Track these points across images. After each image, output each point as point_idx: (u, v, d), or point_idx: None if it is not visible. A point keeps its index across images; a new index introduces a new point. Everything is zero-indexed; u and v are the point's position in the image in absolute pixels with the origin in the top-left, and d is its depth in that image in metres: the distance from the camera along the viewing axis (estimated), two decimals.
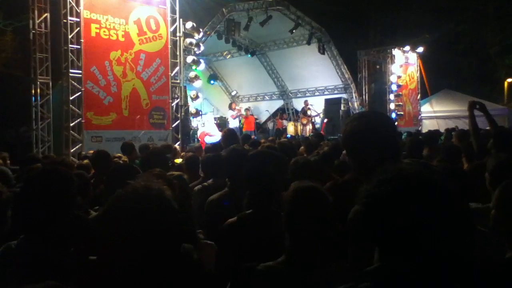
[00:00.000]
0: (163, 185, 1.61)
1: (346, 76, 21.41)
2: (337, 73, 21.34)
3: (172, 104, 13.15)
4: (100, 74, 11.38)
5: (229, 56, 22.23)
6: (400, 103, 22.46)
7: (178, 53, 13.29)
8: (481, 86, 30.10)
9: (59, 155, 10.05)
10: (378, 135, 2.05)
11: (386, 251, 1.30)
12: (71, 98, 10.84)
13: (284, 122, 21.53)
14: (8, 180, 3.93)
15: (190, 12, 14.14)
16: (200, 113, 16.77)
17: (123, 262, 1.44)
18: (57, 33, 10.93)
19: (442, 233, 1.21)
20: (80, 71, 10.97)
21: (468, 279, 1.37)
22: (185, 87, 14.33)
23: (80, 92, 10.99)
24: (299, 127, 19.78)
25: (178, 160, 7.06)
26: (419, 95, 24.74)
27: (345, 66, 21.14)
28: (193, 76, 14.24)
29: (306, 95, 23.28)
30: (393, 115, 21.10)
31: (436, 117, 23.15)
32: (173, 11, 12.99)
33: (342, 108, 20.16)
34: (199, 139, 15.39)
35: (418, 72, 24.65)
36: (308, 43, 19.25)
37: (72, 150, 10.78)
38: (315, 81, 22.74)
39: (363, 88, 22.07)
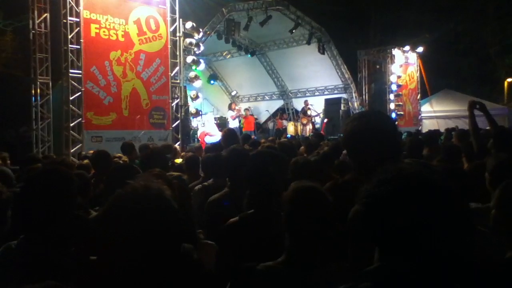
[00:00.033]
0: (163, 185, 1.61)
1: (346, 76, 21.41)
2: (337, 73, 21.35)
3: (172, 104, 13.16)
4: (100, 74, 11.38)
5: (229, 56, 22.24)
6: (400, 103, 22.46)
7: (178, 53, 13.29)
8: (481, 86, 30.11)
9: (59, 155, 10.05)
10: (378, 135, 2.05)
11: (386, 251, 1.30)
12: (71, 98, 10.84)
13: (284, 122, 21.53)
14: (9, 180, 3.92)
15: (190, 12, 14.15)
16: (200, 113, 16.78)
17: (123, 262, 1.44)
18: (57, 33, 10.94)
19: (442, 233, 1.21)
20: (80, 71, 10.98)
21: (468, 279, 1.37)
22: (185, 87, 14.34)
23: (80, 92, 10.99)
24: (299, 127, 19.78)
25: (178, 160, 7.06)
26: (419, 95, 24.75)
27: (345, 66, 21.15)
28: (193, 76, 14.24)
29: (306, 95, 23.28)
30: (393, 115, 21.10)
31: (436, 117, 23.16)
32: (173, 11, 12.99)
33: (342, 108, 20.17)
34: (199, 139, 15.39)
35: (418, 72, 24.66)
36: (308, 43, 19.25)
37: (72, 150, 10.79)
38: (315, 81, 22.75)
39: (363, 88, 22.07)
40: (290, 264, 2.07)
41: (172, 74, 13.06)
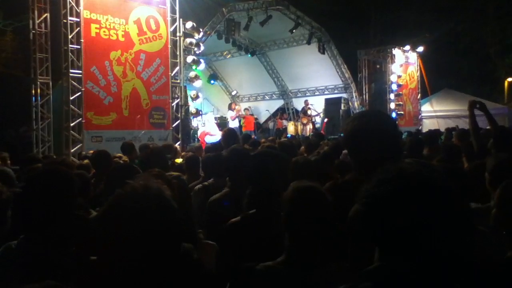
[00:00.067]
0: (162, 185, 1.61)
1: (346, 75, 21.41)
2: (337, 72, 21.35)
3: (172, 104, 13.17)
4: (100, 74, 11.39)
5: (229, 56, 22.24)
6: (400, 102, 22.46)
7: (178, 53, 13.30)
8: (481, 85, 30.08)
9: (59, 155, 10.06)
10: (378, 134, 2.05)
11: (386, 251, 1.30)
12: (71, 98, 10.85)
13: (284, 122, 21.52)
14: (10, 180, 3.92)
15: (190, 12, 14.15)
16: (200, 112, 16.78)
17: (123, 262, 1.44)
18: (57, 33, 10.94)
19: (442, 233, 1.21)
20: (80, 71, 10.98)
21: (468, 279, 1.37)
22: (185, 87, 14.34)
23: (80, 92, 11.00)
24: (299, 127, 19.78)
25: (179, 160, 7.06)
26: (419, 95, 24.75)
27: (345, 66, 21.15)
28: (193, 76, 14.24)
29: (306, 94, 23.28)
30: (393, 115, 21.09)
31: (436, 117, 23.15)
32: (173, 11, 13.00)
33: (342, 107, 20.17)
34: (199, 139, 15.40)
35: (418, 72, 24.65)
36: (308, 42, 19.25)
37: (72, 150, 10.80)
38: (315, 81, 22.74)
39: (363, 88, 22.06)
40: (290, 264, 2.07)
41: (172, 74, 13.07)
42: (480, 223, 2.32)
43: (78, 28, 10.95)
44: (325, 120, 20.15)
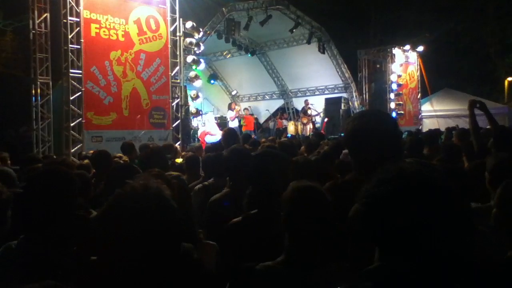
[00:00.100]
0: (162, 185, 1.61)
1: (346, 75, 21.40)
2: (337, 72, 21.34)
3: (172, 104, 13.16)
4: (100, 74, 11.39)
5: (229, 55, 22.24)
6: (400, 102, 22.45)
7: (178, 53, 13.30)
8: (481, 85, 30.09)
9: (60, 155, 10.06)
10: (378, 134, 2.05)
11: (386, 251, 1.30)
12: (71, 98, 10.85)
13: (284, 122, 21.52)
14: (11, 180, 3.92)
15: (190, 12, 14.14)
16: (201, 112, 16.78)
17: (123, 262, 1.44)
18: (57, 33, 10.94)
19: (442, 233, 1.21)
20: (80, 71, 10.98)
21: (468, 279, 1.37)
22: (185, 86, 14.33)
23: (80, 92, 11.00)
24: (300, 127, 19.79)
25: (179, 160, 7.06)
26: (419, 94, 24.74)
27: (345, 65, 21.14)
28: (193, 76, 14.24)
29: (307, 94, 23.28)
30: (394, 114, 21.08)
31: (437, 116, 23.14)
32: (173, 10, 13.00)
33: (342, 107, 20.16)
34: (200, 139, 15.40)
35: (418, 71, 24.64)
36: (308, 42, 19.24)
37: (72, 150, 10.80)
38: (315, 81, 22.74)
39: (363, 87, 22.04)
40: (290, 264, 2.07)
41: (172, 74, 13.07)
42: (480, 223, 2.32)
43: (78, 28, 10.95)
44: (325, 119, 20.14)
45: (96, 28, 11.28)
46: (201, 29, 14.23)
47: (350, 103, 21.26)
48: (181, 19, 13.22)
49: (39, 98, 11.06)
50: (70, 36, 10.81)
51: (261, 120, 23.62)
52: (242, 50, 20.65)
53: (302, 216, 2.07)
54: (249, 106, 21.31)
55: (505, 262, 2.01)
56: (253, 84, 24.13)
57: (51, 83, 11.28)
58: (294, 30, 18.48)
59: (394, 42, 22.95)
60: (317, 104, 20.82)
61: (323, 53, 19.72)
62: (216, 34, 17.27)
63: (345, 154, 5.69)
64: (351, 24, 27.49)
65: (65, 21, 10.77)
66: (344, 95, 21.41)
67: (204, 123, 17.03)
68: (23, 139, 12.73)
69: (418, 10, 29.76)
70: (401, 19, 29.34)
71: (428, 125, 22.45)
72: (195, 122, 16.85)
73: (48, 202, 2.27)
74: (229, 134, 6.25)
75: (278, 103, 24.65)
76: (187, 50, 13.73)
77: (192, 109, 15.43)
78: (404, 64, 23.24)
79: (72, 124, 10.87)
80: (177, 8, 13.03)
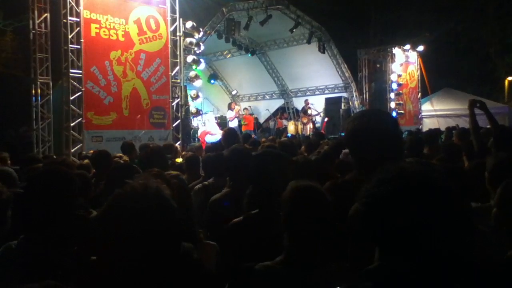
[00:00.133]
0: (162, 184, 1.61)
1: (347, 75, 21.40)
2: (338, 72, 21.33)
3: (173, 104, 13.16)
4: (100, 74, 11.38)
5: (229, 55, 22.24)
6: (400, 101, 22.44)
7: (178, 53, 13.29)
8: (481, 84, 30.09)
9: (60, 155, 10.06)
10: (379, 133, 2.05)
11: (386, 251, 1.30)
12: (71, 98, 10.85)
13: (284, 121, 21.51)
14: (12, 180, 3.93)
15: (190, 12, 14.14)
16: (201, 112, 16.78)
17: (122, 262, 1.44)
18: (57, 33, 10.93)
19: (442, 233, 1.21)
20: (80, 71, 10.98)
21: (468, 279, 1.37)
22: (185, 86, 14.33)
23: (80, 92, 10.99)
24: (300, 126, 19.78)
25: (179, 160, 7.07)
26: (419, 94, 24.73)
27: (345, 65, 21.13)
28: (193, 76, 14.23)
29: (307, 94, 23.26)
30: (394, 114, 21.06)
31: (437, 116, 23.12)
32: (173, 10, 12.99)
33: (342, 107, 20.17)
34: (200, 139, 15.40)
35: (419, 71, 24.63)
36: (308, 42, 19.24)
37: (72, 150, 10.79)
38: (316, 80, 22.73)
39: (364, 87, 22.03)
40: (290, 264, 2.07)
41: (172, 74, 13.06)
42: (480, 222, 2.32)
43: (78, 28, 10.94)
44: (325, 119, 20.15)
45: (96, 28, 11.28)
46: (201, 29, 14.22)
47: (350, 102, 21.25)
48: (181, 19, 13.21)
49: (39, 98, 11.06)
50: (70, 36, 10.80)
51: (261, 120, 23.61)
52: (242, 50, 20.65)
53: (302, 216, 2.07)
54: (249, 106, 21.30)
55: (505, 262, 2.01)
56: (253, 84, 24.13)
57: (51, 83, 11.28)
58: (294, 30, 18.47)
59: (394, 42, 22.94)
60: (317, 104, 20.82)
61: (323, 52, 19.71)
62: (216, 34, 17.26)
63: (345, 154, 5.70)
64: (351, 24, 27.47)
65: (65, 21, 10.76)
66: (344, 94, 21.41)
67: (204, 123, 17.03)
68: (23, 139, 12.73)
69: (418, 10, 29.76)
70: (401, 19, 29.33)
71: (428, 124, 22.43)
72: (195, 122, 16.84)
73: (48, 202, 2.27)
74: (229, 134, 6.26)
75: (278, 102, 24.64)
76: (187, 50, 13.72)
77: (192, 109, 15.42)
78: (404, 63, 23.22)
79: (72, 124, 10.86)
80: (177, 8, 13.03)
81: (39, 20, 10.97)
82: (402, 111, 22.41)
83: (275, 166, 2.80)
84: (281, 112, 23.13)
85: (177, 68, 13.29)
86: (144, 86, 12.33)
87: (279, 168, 2.80)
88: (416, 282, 1.21)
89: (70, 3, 10.73)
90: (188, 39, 13.59)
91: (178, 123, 13.39)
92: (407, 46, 22.84)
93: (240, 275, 2.19)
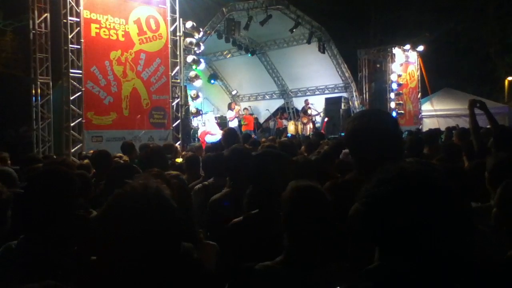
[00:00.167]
0: (162, 184, 1.61)
1: (347, 75, 21.39)
2: (338, 72, 21.33)
3: (173, 104, 13.16)
4: (100, 74, 11.38)
5: (229, 55, 22.23)
6: (400, 101, 22.43)
7: (178, 53, 13.29)
8: (481, 84, 30.09)
9: (60, 155, 10.06)
10: (379, 133, 2.05)
11: (386, 251, 1.30)
12: (71, 98, 10.84)
13: (284, 121, 21.50)
14: (12, 180, 3.93)
15: (190, 12, 14.14)
16: (201, 112, 16.78)
17: (122, 262, 1.44)
18: (57, 33, 10.93)
19: (442, 233, 1.21)
20: (80, 71, 10.98)
21: (468, 279, 1.37)
22: (185, 86, 14.33)
23: (80, 92, 10.99)
24: (300, 126, 19.78)
25: (179, 160, 7.07)
26: (419, 94, 24.72)
27: (345, 65, 21.13)
28: (193, 76, 14.23)
29: (307, 94, 23.26)
30: (394, 114, 21.05)
31: (437, 116, 23.11)
32: (173, 10, 12.99)
33: (342, 107, 20.17)
34: (200, 139, 15.40)
35: (419, 71, 24.62)
36: (308, 42, 19.23)
37: (72, 150, 10.79)
38: (316, 80, 22.73)
39: (364, 87, 22.02)
40: (290, 264, 2.07)
41: (172, 74, 13.06)
42: (480, 222, 2.32)
43: (78, 28, 10.94)
44: (325, 119, 20.14)
45: (96, 28, 11.28)
46: (201, 29, 14.22)
47: (350, 102, 21.25)
48: (181, 19, 13.21)
49: (39, 98, 11.06)
50: (70, 36, 10.80)
51: (261, 120, 23.60)
52: (242, 50, 20.65)
53: (302, 216, 2.07)
54: (249, 106, 21.29)
55: (505, 262, 2.01)
56: (253, 84, 24.13)
57: (51, 83, 11.28)
58: (294, 30, 18.47)
59: (394, 42, 22.94)
60: (317, 104, 20.82)
61: (323, 52, 19.71)
62: (216, 34, 17.26)
63: (345, 154, 5.70)
64: (351, 24, 27.47)
65: (65, 21, 10.76)
66: (344, 94, 21.41)
67: (204, 123, 17.03)
68: (23, 139, 12.73)
69: (418, 10, 29.75)
70: (401, 19, 29.32)
71: (428, 124, 22.43)
72: (195, 122, 16.84)
73: (48, 202, 2.27)
74: (229, 134, 6.25)
75: (278, 102, 24.64)
76: (187, 50, 13.72)
77: (192, 109, 15.42)
78: (404, 63, 23.22)
79: (72, 124, 10.86)
80: (177, 8, 13.03)
81: (39, 20, 10.97)
82: (402, 111, 22.40)
83: (275, 166, 2.80)
84: (281, 112, 23.13)
85: (177, 68, 13.29)
86: (144, 86, 12.33)
87: (279, 168, 2.80)
88: (416, 282, 1.21)
89: (70, 3, 10.73)
90: (188, 39, 13.59)
91: (178, 123, 13.39)
92: (407, 46, 22.83)
93: (240, 275, 2.18)
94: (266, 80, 23.73)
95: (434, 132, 8.70)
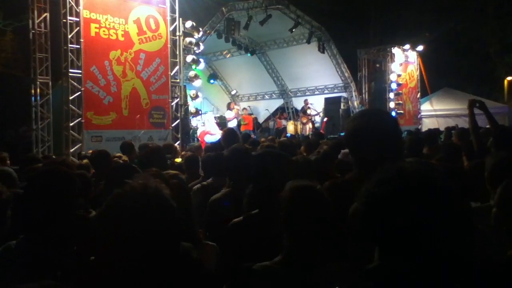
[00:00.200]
0: (161, 184, 1.61)
1: (346, 75, 21.38)
2: (337, 72, 21.31)
3: (172, 104, 13.17)
4: (100, 73, 11.38)
5: (229, 55, 22.21)
6: (400, 101, 22.43)
7: (177, 53, 13.29)
8: (481, 84, 30.08)
9: (59, 155, 10.05)
10: (378, 133, 2.05)
11: (386, 251, 1.30)
12: (71, 98, 10.85)
13: (283, 121, 21.48)
14: (12, 180, 3.93)
15: (189, 11, 14.14)
16: (200, 112, 16.76)
17: (122, 262, 1.43)
18: (57, 33, 10.94)
19: (442, 233, 1.21)
20: (80, 71, 10.98)
21: (468, 279, 1.37)
22: (185, 86, 14.32)
23: (80, 92, 10.99)
24: (299, 126, 19.76)
25: (179, 160, 7.06)
26: (419, 94, 24.72)
27: (345, 65, 21.11)
28: (193, 76, 14.23)
29: (306, 94, 23.23)
30: (393, 114, 21.05)
31: (436, 116, 23.10)
32: (172, 10, 12.99)
33: (342, 107, 20.16)
34: (199, 138, 15.39)
35: (418, 71, 24.62)
36: (308, 42, 19.22)
37: (72, 150, 10.79)
38: (315, 80, 22.71)
39: (363, 87, 22.01)
40: (290, 264, 2.06)
41: (172, 74, 13.07)
42: (480, 222, 2.32)
43: (78, 27, 10.94)
44: (325, 119, 20.13)
45: (95, 27, 11.28)
46: (200, 29, 14.22)
47: (349, 102, 21.24)
48: (180, 19, 13.21)
49: (38, 98, 11.07)
50: (69, 36, 10.80)
51: (261, 120, 23.58)
52: (241, 49, 20.62)
53: (300, 216, 2.07)
54: (249, 106, 21.27)
55: (505, 262, 2.01)
56: (253, 83, 24.11)
57: (50, 83, 11.29)
58: (294, 29, 18.45)
59: (393, 42, 22.93)
60: (317, 104, 20.80)
61: (323, 52, 19.70)
62: (216, 33, 17.24)
63: (344, 154, 5.69)
64: (351, 24, 27.47)
65: (64, 21, 10.77)
66: (344, 94, 21.40)
67: (203, 123, 17.01)
68: (23, 139, 12.73)
69: (418, 9, 29.73)
70: (401, 18, 29.31)
71: (427, 124, 22.43)
72: (194, 121, 16.82)
73: (49, 202, 2.27)
74: (229, 134, 6.25)
75: (278, 102, 24.62)
76: (187, 50, 13.72)
77: (192, 108, 15.41)
78: (404, 63, 23.21)
79: (71, 124, 10.87)
80: (176, 7, 13.03)
81: (39, 20, 10.97)
82: (402, 111, 22.40)
83: (276, 165, 2.80)
84: (280, 112, 23.11)
85: (177, 68, 13.30)
86: (144, 86, 12.34)
87: (280, 168, 2.80)
88: (416, 282, 1.21)
89: (69, 3, 10.73)
90: (188, 39, 13.58)
91: (178, 123, 13.40)
92: (407, 46, 22.83)
93: (240, 275, 2.18)
94: (265, 80, 23.71)
95: (434, 132, 8.70)
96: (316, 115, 20.49)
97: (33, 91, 11.00)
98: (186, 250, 1.85)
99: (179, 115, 13.48)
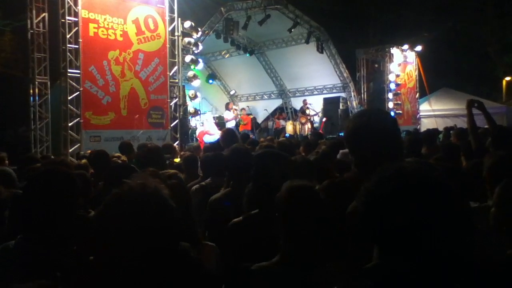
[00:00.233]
0: (160, 184, 1.61)
1: (345, 75, 21.38)
2: (336, 72, 21.31)
3: (171, 104, 13.16)
4: (98, 73, 11.38)
5: (227, 55, 22.21)
6: (398, 101, 22.44)
7: (176, 53, 13.29)
8: (480, 84, 30.13)
9: (58, 155, 10.04)
10: (378, 132, 2.05)
11: (385, 250, 1.30)
12: (69, 98, 10.84)
13: (282, 121, 21.48)
14: (11, 180, 3.93)
15: (188, 11, 14.14)
16: (199, 112, 16.76)
17: (121, 262, 1.43)
18: (55, 32, 10.92)
19: (442, 232, 1.21)
20: (78, 71, 10.97)
21: (468, 279, 1.37)
22: (183, 86, 14.31)
23: (78, 92, 10.98)
24: (298, 126, 19.76)
25: (177, 160, 7.06)
26: (417, 94, 24.74)
27: (343, 65, 21.11)
28: (192, 76, 14.22)
29: (305, 94, 23.23)
30: (392, 114, 21.06)
31: (435, 116, 23.12)
32: (171, 10, 12.99)
33: (340, 107, 20.19)
34: (198, 138, 15.38)
35: (417, 71, 24.63)
36: (307, 42, 19.23)
37: (70, 150, 10.77)
38: (314, 80, 22.71)
39: (362, 87, 22.03)
40: (289, 264, 2.06)
41: (170, 74, 13.06)
42: (478, 222, 2.32)
43: (76, 27, 10.93)
44: (324, 119, 20.15)
45: (94, 27, 11.27)
46: (199, 29, 14.22)
47: (348, 102, 21.25)
48: (179, 19, 13.21)
49: (37, 98, 11.03)
50: (68, 36, 10.79)
51: (260, 120, 23.57)
52: (240, 49, 20.62)
53: (297, 215, 2.07)
54: (247, 106, 21.30)
55: (505, 261, 2.01)
56: (252, 83, 24.11)
57: (49, 83, 11.25)
58: (292, 29, 18.45)
59: (392, 42, 22.95)
60: (316, 104, 20.81)
61: (322, 52, 19.71)
62: (215, 33, 17.23)
63: (343, 154, 5.69)
64: (349, 24, 27.49)
65: (63, 20, 10.76)
66: (343, 94, 21.41)
67: (202, 123, 17.00)
68: (23, 139, 12.71)
69: (417, 9, 29.74)
70: (400, 18, 29.33)
71: (426, 124, 22.46)
72: (193, 121, 16.82)
73: (48, 202, 2.26)
74: (228, 134, 6.25)
75: (277, 102, 24.62)
76: (186, 50, 13.72)
77: (191, 108, 15.39)
78: (403, 63, 23.23)
79: (70, 124, 10.85)
80: (175, 7, 13.02)
81: (37, 20, 10.95)
82: (400, 111, 22.41)
83: (276, 165, 2.80)
84: (279, 112, 23.11)
85: (175, 68, 13.29)
86: (142, 86, 12.33)
87: (280, 167, 2.80)
88: (416, 281, 1.21)
89: (68, 2, 10.73)
90: (187, 39, 13.58)
91: (176, 123, 13.39)
92: (405, 46, 22.85)
93: (239, 275, 2.18)
94: (264, 80, 23.71)
95: (432, 132, 8.71)
96: (315, 115, 20.49)
97: (31, 91, 10.97)
98: (184, 249, 1.85)
99: (177, 115, 13.48)
